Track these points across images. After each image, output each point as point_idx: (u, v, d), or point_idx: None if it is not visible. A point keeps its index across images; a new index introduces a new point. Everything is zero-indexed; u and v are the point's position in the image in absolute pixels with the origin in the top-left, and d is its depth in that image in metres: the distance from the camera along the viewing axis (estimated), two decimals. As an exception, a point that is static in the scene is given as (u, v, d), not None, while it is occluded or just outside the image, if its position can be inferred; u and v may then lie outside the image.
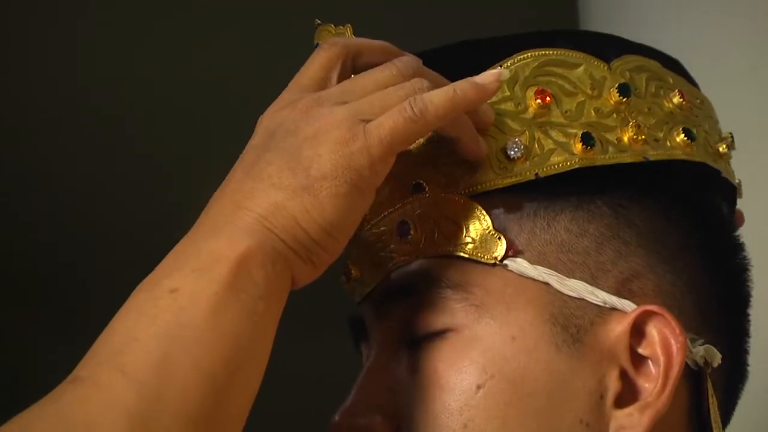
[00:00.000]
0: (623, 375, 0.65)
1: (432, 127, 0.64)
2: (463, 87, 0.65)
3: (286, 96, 0.68)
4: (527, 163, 0.67)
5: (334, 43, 0.69)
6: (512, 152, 0.67)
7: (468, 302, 0.66)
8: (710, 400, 0.66)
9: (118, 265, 4.63)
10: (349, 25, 0.73)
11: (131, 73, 3.33)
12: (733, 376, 0.71)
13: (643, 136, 0.68)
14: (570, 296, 0.65)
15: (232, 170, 0.66)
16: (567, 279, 0.65)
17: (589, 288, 0.64)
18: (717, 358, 0.66)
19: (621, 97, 0.68)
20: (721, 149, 0.72)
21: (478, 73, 0.67)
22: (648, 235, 0.67)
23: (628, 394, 0.65)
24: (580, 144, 0.66)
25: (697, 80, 0.78)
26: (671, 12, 1.70)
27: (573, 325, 0.64)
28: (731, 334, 0.71)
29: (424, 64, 0.70)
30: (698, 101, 0.75)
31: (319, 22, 0.74)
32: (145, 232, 4.36)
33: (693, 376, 0.67)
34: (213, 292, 0.59)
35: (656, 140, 0.68)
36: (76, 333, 5.48)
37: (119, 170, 3.87)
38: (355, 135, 0.63)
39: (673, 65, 0.74)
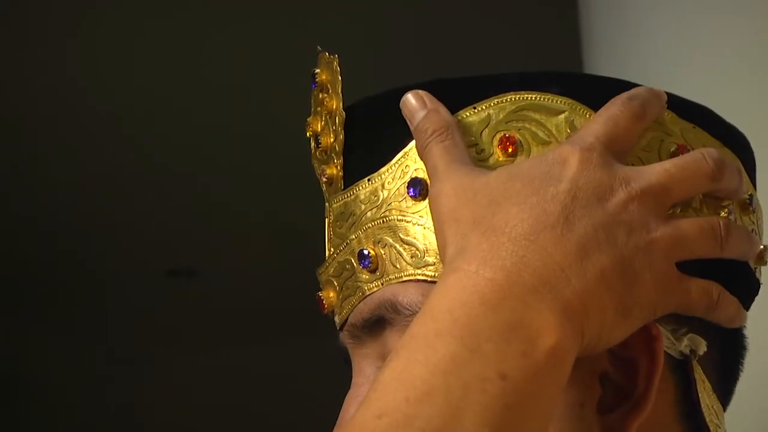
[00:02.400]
0: (604, 379, 0.64)
1: None
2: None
3: (615, 174, 0.63)
4: None
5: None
6: None
7: None
8: (700, 387, 0.66)
9: (118, 264, 4.63)
10: (336, 55, 0.72)
11: (131, 73, 3.33)
12: (729, 353, 0.70)
13: None
14: None
15: (546, 205, 0.60)
16: None
17: None
18: (702, 346, 0.65)
19: None
20: (722, 213, 0.68)
21: (452, 112, 0.67)
22: None
23: (611, 398, 0.63)
24: None
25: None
26: (671, 12, 1.70)
27: None
28: None
29: (395, 101, 0.68)
30: None
31: (320, 48, 0.73)
32: (146, 231, 4.36)
33: (680, 367, 0.66)
34: (540, 390, 0.57)
35: None
36: (77, 332, 5.49)
37: (119, 170, 3.87)
38: (676, 288, 0.63)
39: (693, 112, 0.70)
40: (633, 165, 0.65)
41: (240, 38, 3.16)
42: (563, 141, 0.64)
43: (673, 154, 0.66)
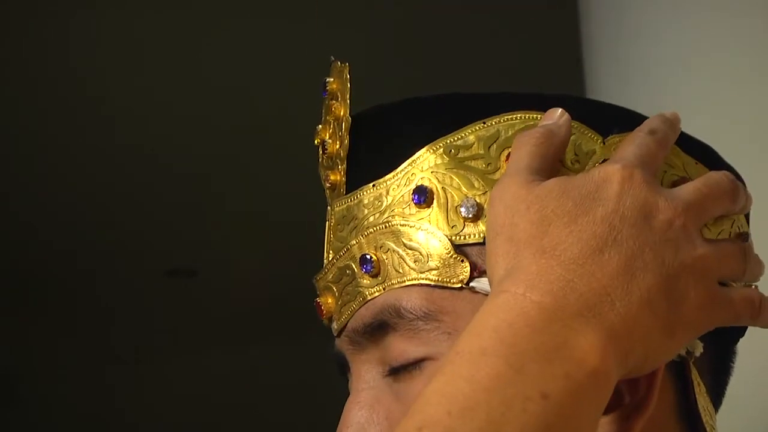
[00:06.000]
0: None
1: None
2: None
3: (656, 193, 0.63)
4: (477, 225, 0.67)
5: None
6: (464, 210, 0.67)
7: (440, 330, 0.66)
8: (696, 389, 0.66)
9: (118, 264, 4.63)
10: (347, 63, 0.73)
11: (131, 74, 3.34)
12: (721, 356, 0.71)
13: None
14: None
15: (595, 228, 0.61)
16: None
17: None
18: (699, 348, 0.66)
19: None
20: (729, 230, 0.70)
21: (461, 126, 0.68)
22: None
23: (612, 401, 0.63)
24: None
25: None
26: (671, 14, 1.70)
27: None
28: None
29: (405, 110, 0.70)
30: None
31: (333, 58, 0.74)
32: (146, 231, 4.36)
33: (677, 368, 0.67)
34: (581, 411, 0.58)
35: None
36: (76, 332, 5.47)
37: (119, 170, 3.87)
38: (720, 303, 0.64)
39: (695, 149, 0.71)
40: None
41: (240, 38, 3.17)
42: (608, 160, 0.65)
43: (675, 184, 0.67)
